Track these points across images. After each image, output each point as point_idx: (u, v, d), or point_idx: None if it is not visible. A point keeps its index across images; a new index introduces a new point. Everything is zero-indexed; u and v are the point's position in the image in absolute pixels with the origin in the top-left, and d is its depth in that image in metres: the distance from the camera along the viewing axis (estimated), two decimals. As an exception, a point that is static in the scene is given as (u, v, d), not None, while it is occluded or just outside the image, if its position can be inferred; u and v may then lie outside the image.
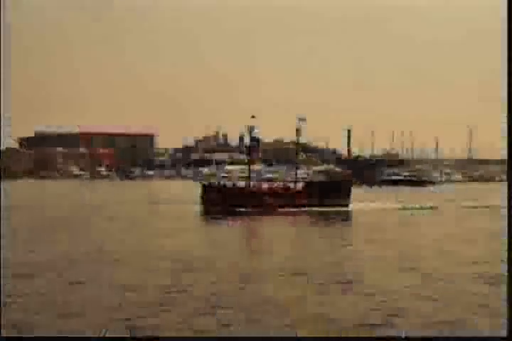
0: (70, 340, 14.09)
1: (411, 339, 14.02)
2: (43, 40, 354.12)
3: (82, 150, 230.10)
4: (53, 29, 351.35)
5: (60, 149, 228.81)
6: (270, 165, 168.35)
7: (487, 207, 60.35)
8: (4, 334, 14.19)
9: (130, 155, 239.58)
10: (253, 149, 62.58)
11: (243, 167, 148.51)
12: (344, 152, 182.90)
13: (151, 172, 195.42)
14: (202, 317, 16.39)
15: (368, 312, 17.08)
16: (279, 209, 55.24)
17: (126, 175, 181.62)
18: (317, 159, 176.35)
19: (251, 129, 60.50)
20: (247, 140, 64.30)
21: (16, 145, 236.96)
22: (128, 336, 14.11)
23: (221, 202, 56.46)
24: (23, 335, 14.30)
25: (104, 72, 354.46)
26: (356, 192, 62.81)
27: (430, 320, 16.16)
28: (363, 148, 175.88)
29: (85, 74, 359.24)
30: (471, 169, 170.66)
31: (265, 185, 63.36)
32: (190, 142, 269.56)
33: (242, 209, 54.77)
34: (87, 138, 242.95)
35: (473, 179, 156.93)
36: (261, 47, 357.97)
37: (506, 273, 17.39)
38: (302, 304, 18.14)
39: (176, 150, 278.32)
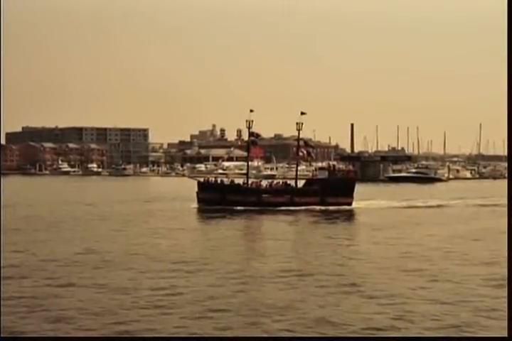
0: (69, 340, 14.49)
1: (411, 339, 14.41)
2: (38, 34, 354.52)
3: (72, 145, 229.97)
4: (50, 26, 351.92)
5: (49, 145, 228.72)
6: (269, 161, 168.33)
7: (496, 205, 60.60)
8: (3, 335, 14.60)
9: (123, 151, 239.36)
10: (254, 146, 62.37)
11: (241, 163, 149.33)
12: (347, 148, 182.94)
13: (144, 169, 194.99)
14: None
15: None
16: (279, 208, 55.31)
17: (119, 172, 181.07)
18: (319, 155, 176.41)
19: (250, 124, 60.04)
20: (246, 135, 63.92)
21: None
22: (127, 336, 14.49)
23: (218, 201, 56.62)
24: (23, 336, 14.71)
25: (99, 67, 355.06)
26: (360, 190, 63.00)
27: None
28: (367, 143, 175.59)
29: (82, 71, 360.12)
30: (481, 165, 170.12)
31: (264, 183, 63.46)
32: (186, 137, 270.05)
33: (240, 208, 54.90)
34: (77, 133, 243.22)
35: (482, 176, 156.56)
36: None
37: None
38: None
39: (171, 145, 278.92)
